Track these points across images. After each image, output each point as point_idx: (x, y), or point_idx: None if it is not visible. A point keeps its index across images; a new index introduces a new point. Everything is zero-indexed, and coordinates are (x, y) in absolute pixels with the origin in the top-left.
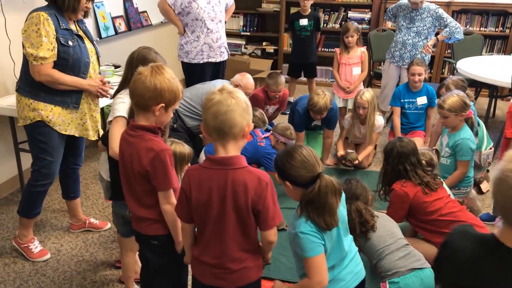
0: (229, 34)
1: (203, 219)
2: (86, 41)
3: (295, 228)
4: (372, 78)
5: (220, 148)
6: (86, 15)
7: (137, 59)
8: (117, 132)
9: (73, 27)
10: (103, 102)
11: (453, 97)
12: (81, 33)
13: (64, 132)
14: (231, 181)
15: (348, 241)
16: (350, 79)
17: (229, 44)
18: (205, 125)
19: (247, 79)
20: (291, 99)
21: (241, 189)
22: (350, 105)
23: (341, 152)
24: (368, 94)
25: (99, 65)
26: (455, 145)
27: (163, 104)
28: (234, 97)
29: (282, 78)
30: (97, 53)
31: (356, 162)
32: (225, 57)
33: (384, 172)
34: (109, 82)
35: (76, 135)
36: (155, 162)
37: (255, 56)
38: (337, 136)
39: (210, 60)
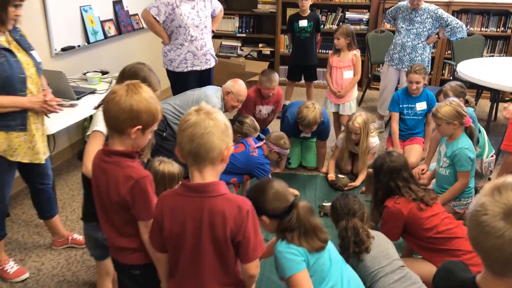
0: (224, 36)
1: (177, 251)
2: (20, 53)
3: (274, 252)
4: (371, 81)
5: (196, 173)
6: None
7: (128, 74)
8: (92, 149)
9: (1, 39)
10: (88, 112)
11: (446, 106)
12: (13, 44)
13: (10, 159)
14: (207, 210)
15: (346, 272)
16: (341, 82)
17: (224, 45)
18: (180, 148)
19: (239, 86)
20: (287, 103)
21: (219, 219)
22: (341, 111)
23: (331, 175)
24: (360, 119)
25: (40, 78)
26: (453, 155)
27: (140, 127)
28: (213, 118)
29: (276, 76)
30: (36, 65)
31: (348, 187)
32: (211, 64)
33: (375, 191)
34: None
35: (26, 161)
36: (134, 191)
37: (251, 58)
38: (333, 142)
39: (194, 68)
